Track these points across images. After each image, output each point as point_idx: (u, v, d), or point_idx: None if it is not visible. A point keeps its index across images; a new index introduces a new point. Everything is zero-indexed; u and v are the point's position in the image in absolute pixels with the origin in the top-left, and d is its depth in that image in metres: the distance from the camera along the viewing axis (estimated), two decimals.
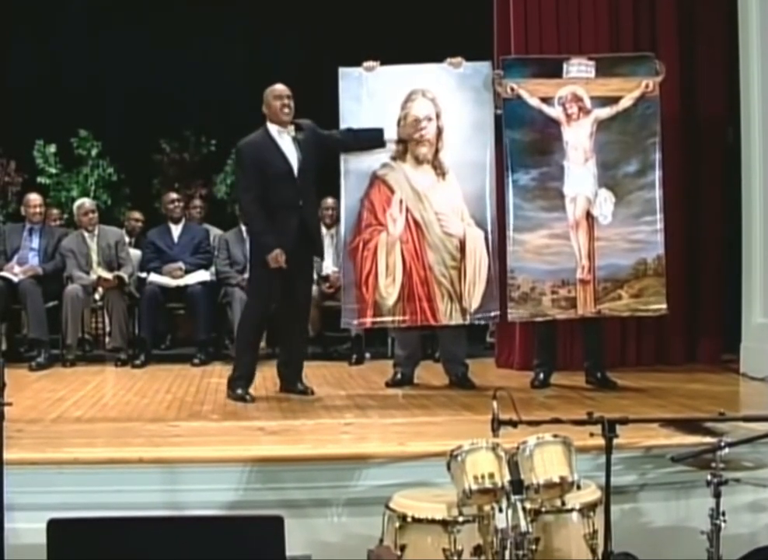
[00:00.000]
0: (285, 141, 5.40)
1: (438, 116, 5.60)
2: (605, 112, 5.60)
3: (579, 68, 5.59)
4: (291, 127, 5.42)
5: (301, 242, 5.39)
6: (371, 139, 5.53)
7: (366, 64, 5.60)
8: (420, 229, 5.55)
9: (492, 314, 5.61)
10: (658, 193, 5.58)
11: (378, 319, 5.56)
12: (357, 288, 5.53)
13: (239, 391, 5.35)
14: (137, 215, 8.89)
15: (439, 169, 5.59)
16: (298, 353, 5.70)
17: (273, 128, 5.40)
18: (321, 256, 6.18)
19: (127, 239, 7.94)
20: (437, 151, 5.60)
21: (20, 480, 3.51)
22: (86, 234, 7.43)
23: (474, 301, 5.55)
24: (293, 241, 5.32)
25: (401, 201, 5.55)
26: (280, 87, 5.42)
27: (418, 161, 5.60)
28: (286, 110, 5.37)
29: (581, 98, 5.58)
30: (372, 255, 5.53)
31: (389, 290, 5.52)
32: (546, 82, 5.61)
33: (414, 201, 5.57)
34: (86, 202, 7.79)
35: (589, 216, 5.59)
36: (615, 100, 5.60)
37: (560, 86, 5.59)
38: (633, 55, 5.91)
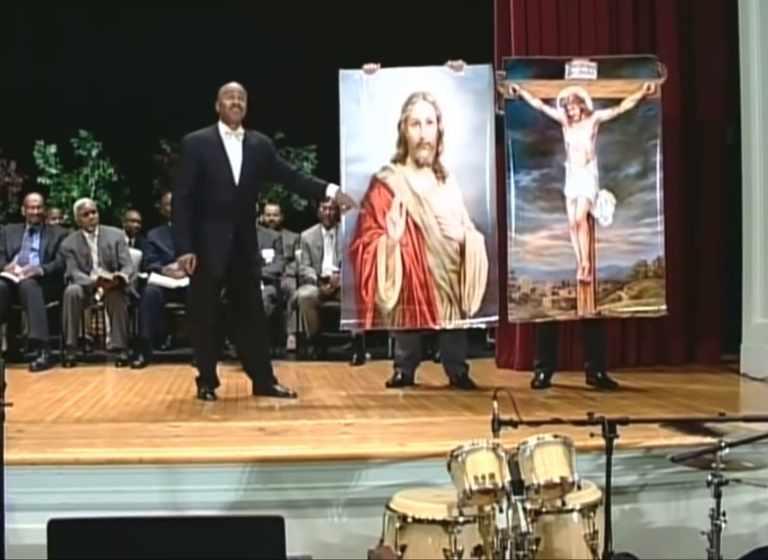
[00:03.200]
0: (232, 143, 5.33)
1: (438, 119, 5.59)
2: (606, 114, 5.60)
3: (581, 69, 5.59)
4: (241, 131, 5.35)
5: (236, 250, 5.31)
6: (313, 193, 5.76)
7: (366, 66, 5.59)
8: (420, 232, 5.55)
9: (491, 318, 5.60)
10: (658, 195, 5.58)
11: (378, 322, 5.56)
12: (357, 291, 5.52)
13: (202, 390, 5.41)
14: (134, 215, 8.88)
15: (439, 173, 5.58)
16: (260, 357, 5.57)
17: (222, 128, 5.35)
18: (255, 276, 5.69)
19: (126, 240, 7.94)
20: (437, 154, 5.58)
21: (20, 480, 3.51)
22: (86, 234, 7.42)
23: (474, 305, 5.54)
24: (227, 247, 5.26)
25: (401, 205, 5.54)
26: (233, 85, 5.37)
27: (418, 164, 5.59)
28: (236, 110, 5.30)
29: (582, 99, 5.58)
30: (372, 258, 5.53)
31: (389, 293, 5.52)
32: (548, 83, 5.61)
33: (414, 204, 5.56)
34: (86, 203, 7.78)
35: (590, 218, 5.59)
36: (616, 102, 5.60)
37: (562, 87, 5.59)
38: (635, 57, 5.92)
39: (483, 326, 5.74)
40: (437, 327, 5.64)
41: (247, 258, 5.45)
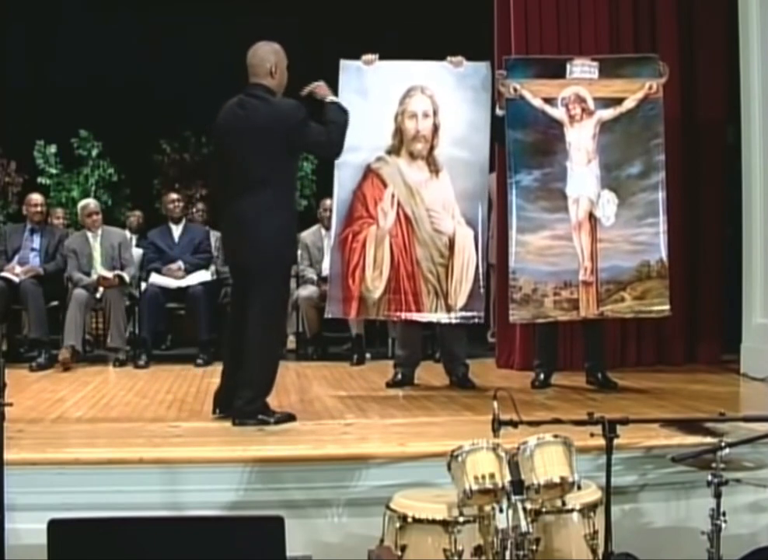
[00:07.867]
0: None
1: (435, 113, 5.61)
2: (608, 113, 5.59)
3: (582, 68, 5.58)
4: None
5: None
6: None
7: (365, 57, 5.61)
8: (411, 224, 5.56)
9: (477, 314, 5.60)
10: (660, 195, 5.56)
11: (363, 312, 5.60)
12: (344, 280, 5.53)
13: (273, 415, 4.56)
14: (136, 212, 8.90)
15: (433, 166, 5.60)
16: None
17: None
18: None
19: (128, 236, 7.95)
20: (432, 148, 5.61)
21: (21, 480, 3.51)
22: (90, 234, 7.43)
23: (460, 299, 5.55)
24: None
25: (393, 196, 5.56)
26: None
27: (413, 156, 5.61)
28: None
29: (584, 99, 5.58)
30: (361, 247, 5.54)
31: (376, 283, 5.53)
32: (549, 82, 5.61)
33: (406, 195, 5.58)
34: (91, 203, 7.77)
35: (592, 217, 5.58)
36: (618, 101, 5.59)
37: (564, 87, 5.58)
38: (637, 56, 5.92)
39: (467, 321, 5.70)
40: (423, 320, 5.63)
41: None
